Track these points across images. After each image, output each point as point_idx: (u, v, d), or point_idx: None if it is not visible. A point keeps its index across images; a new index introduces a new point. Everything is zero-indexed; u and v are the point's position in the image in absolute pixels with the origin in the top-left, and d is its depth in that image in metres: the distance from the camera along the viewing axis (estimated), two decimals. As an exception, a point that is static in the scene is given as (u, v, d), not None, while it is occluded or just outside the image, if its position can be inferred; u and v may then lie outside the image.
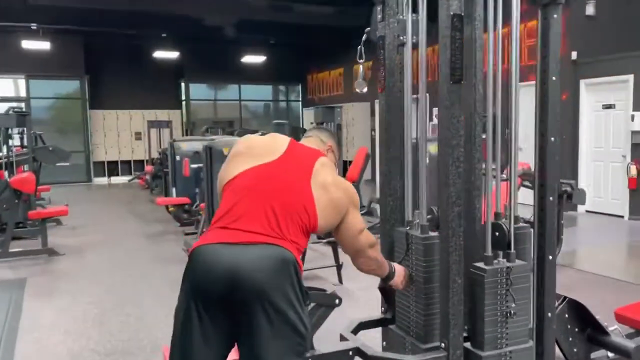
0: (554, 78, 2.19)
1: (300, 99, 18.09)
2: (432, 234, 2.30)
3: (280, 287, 1.68)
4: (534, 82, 2.23)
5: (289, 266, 1.72)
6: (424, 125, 2.37)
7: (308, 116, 16.34)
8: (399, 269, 2.24)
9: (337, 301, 2.31)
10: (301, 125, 16.04)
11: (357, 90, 3.03)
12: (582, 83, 8.20)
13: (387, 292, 2.43)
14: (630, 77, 7.75)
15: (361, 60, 2.98)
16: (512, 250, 2.18)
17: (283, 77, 17.24)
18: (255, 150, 1.95)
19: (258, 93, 17.82)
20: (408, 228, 2.38)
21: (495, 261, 2.16)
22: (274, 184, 1.85)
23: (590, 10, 7.88)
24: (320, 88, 16.51)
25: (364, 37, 2.88)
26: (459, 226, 2.12)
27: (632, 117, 7.71)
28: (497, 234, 2.22)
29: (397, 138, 2.52)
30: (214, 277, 1.68)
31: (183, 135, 15.42)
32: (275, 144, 1.98)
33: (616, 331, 2.84)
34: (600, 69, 8.00)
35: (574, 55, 8.12)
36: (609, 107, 8.17)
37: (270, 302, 1.66)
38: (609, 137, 8.21)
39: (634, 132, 7.75)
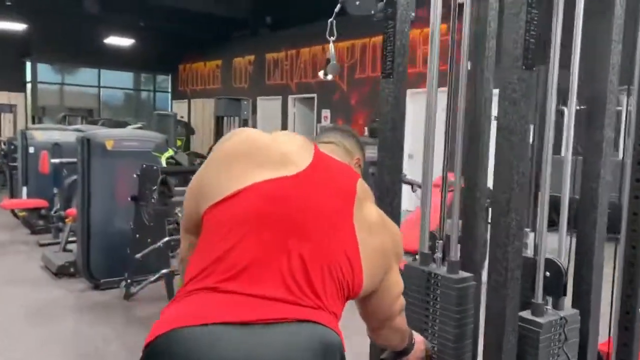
0: None
1: (169, 90, 16.65)
2: (464, 273, 1.71)
3: None
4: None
5: (335, 357, 1.02)
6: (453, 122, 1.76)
7: (179, 109, 15.08)
8: (419, 342, 1.58)
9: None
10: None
11: (328, 76, 2.34)
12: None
13: None
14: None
15: (332, 38, 2.31)
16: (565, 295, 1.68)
17: (151, 64, 15.67)
18: (262, 154, 1.19)
19: (120, 80, 16.04)
20: (419, 262, 1.76)
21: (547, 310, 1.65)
22: (299, 212, 1.12)
23: (376, 19, 7.94)
24: (194, 80, 15.30)
25: (337, 8, 2.21)
26: (519, 268, 1.55)
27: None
28: (547, 273, 1.69)
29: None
30: None
31: (27, 123, 13.25)
32: (293, 147, 1.23)
33: None
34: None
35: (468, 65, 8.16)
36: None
37: None
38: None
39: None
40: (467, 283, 1.68)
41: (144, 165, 3.59)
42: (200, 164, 4.17)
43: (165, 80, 16.69)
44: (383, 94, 1.85)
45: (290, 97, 11.74)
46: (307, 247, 1.08)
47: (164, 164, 3.69)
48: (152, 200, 3.42)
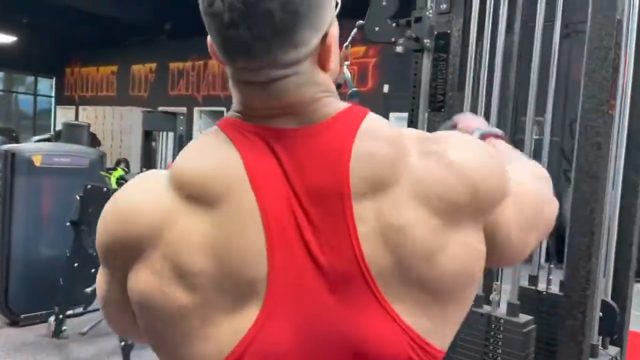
0: None
1: (53, 95, 15.22)
2: (525, 316, 1.68)
3: None
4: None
5: None
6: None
7: (63, 116, 13.83)
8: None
9: None
10: (53, 128, 13.44)
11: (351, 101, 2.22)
12: (392, 116, 8.57)
13: None
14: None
15: (346, 63, 2.18)
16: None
17: (33, 65, 14.24)
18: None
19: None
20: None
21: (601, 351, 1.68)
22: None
23: (399, 48, 8.27)
24: (84, 85, 14.15)
25: (353, 33, 2.11)
26: (596, 313, 1.56)
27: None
28: (600, 314, 1.73)
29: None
30: None
31: None
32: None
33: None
34: (405, 104, 8.45)
35: (385, 88, 8.45)
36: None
37: None
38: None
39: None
40: (531, 326, 1.66)
41: (89, 186, 3.18)
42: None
43: (48, 84, 15.25)
44: (433, 127, 1.79)
45: (196, 109, 11.29)
46: None
47: (114, 184, 3.29)
48: (103, 227, 3.03)
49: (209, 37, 0.69)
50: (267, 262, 0.62)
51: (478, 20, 1.79)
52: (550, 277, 1.86)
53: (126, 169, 4.59)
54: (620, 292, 1.84)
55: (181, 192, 0.65)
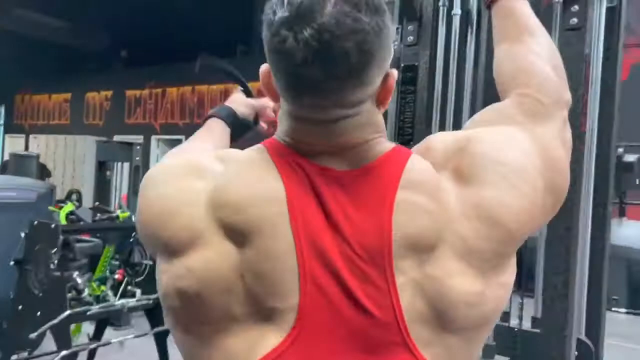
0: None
1: (2, 123, 14.64)
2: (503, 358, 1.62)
3: None
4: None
5: None
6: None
7: (13, 145, 13.29)
8: None
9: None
10: (1, 158, 12.88)
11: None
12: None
13: None
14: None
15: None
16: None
17: (-21, 93, 13.72)
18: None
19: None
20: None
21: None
22: None
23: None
24: (35, 113, 13.67)
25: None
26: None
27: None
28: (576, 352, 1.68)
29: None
30: None
31: None
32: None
33: None
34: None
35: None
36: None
37: None
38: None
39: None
40: None
41: (36, 222, 2.98)
42: (109, 219, 3.55)
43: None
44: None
45: (153, 138, 11.05)
46: None
47: (63, 220, 3.10)
48: (51, 266, 2.82)
49: (263, 69, 0.69)
50: (298, 297, 0.63)
51: (444, 53, 1.77)
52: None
53: (77, 203, 4.36)
54: (594, 328, 1.80)
55: (221, 212, 0.65)
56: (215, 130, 1.01)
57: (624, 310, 5.56)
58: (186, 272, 0.65)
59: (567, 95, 0.83)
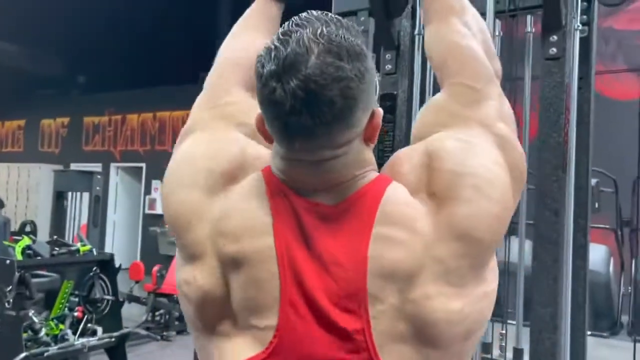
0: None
1: (-50, 151, 13.99)
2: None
3: None
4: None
5: None
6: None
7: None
8: None
9: None
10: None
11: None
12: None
13: None
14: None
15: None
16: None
17: None
18: None
19: None
20: None
21: None
22: None
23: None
24: (-14, 140, 13.14)
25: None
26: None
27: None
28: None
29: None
30: None
31: None
32: None
33: None
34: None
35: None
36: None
37: None
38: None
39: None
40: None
41: (-10, 259, 2.79)
42: (69, 253, 3.38)
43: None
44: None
45: (112, 165, 10.75)
46: None
47: (19, 256, 2.92)
48: (6, 304, 2.64)
49: (257, 116, 0.75)
50: (277, 319, 0.70)
51: (421, 81, 1.76)
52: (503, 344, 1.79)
53: (33, 237, 4.13)
54: (577, 356, 1.79)
55: (219, 240, 0.74)
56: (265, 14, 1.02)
57: (589, 333, 5.64)
58: (191, 279, 0.76)
59: (497, 65, 0.88)
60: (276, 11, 1.03)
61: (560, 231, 1.42)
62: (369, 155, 0.77)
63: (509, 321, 1.85)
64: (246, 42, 0.96)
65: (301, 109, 0.66)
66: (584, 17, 1.70)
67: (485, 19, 1.70)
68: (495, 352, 1.79)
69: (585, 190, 1.72)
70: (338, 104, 0.67)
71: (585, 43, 1.69)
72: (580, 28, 1.65)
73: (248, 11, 1.03)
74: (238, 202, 0.76)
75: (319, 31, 0.68)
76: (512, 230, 1.87)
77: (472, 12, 0.91)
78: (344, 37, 0.68)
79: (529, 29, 1.92)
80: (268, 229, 0.72)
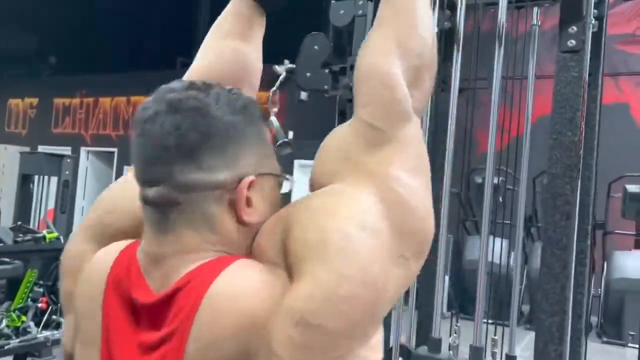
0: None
1: None
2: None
3: None
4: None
5: None
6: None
7: None
8: None
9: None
10: None
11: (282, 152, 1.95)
12: (296, 163, 8.45)
13: None
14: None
15: (274, 109, 1.94)
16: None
17: None
18: None
19: None
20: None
21: None
22: None
23: (303, 95, 8.27)
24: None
25: (282, 77, 1.87)
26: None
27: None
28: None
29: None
30: None
31: None
32: None
33: None
34: (310, 151, 8.39)
35: (289, 135, 8.31)
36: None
37: None
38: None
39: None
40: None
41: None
42: (34, 240, 3.18)
43: None
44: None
45: (83, 149, 10.40)
46: None
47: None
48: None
49: None
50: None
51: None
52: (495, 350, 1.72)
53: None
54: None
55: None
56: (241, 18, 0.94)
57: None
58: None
59: (421, 98, 0.74)
60: (253, 12, 0.94)
61: (571, 236, 1.33)
62: (237, 239, 0.69)
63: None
64: (215, 53, 0.92)
65: (153, 122, 0.68)
66: (595, 11, 1.62)
67: (498, 10, 1.60)
68: (488, 359, 1.71)
69: (589, 194, 1.65)
70: (184, 132, 0.67)
71: (595, 38, 1.61)
72: (593, 22, 1.57)
73: (223, 13, 0.95)
74: (105, 252, 0.76)
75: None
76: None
77: (421, 32, 0.75)
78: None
79: (535, 22, 1.83)
80: (101, 284, 0.71)
